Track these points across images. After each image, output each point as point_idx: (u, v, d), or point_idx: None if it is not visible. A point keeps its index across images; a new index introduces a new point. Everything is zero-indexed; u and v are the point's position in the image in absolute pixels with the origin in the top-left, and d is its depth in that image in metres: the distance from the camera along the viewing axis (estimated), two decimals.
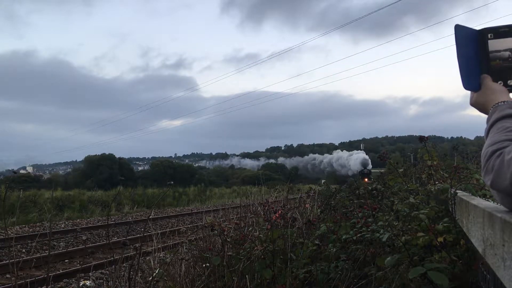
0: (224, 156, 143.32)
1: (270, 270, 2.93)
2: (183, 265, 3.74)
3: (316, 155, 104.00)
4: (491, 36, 1.10)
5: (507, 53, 1.10)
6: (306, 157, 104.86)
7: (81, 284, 6.03)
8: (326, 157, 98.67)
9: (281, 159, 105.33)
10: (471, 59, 1.12)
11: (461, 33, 1.12)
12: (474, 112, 1.14)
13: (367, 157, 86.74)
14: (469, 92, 1.15)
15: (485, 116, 1.07)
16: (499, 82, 1.10)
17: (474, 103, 1.13)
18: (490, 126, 0.99)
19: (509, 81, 1.09)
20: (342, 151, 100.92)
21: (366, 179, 42.96)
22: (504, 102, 1.03)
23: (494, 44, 1.10)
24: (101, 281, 6.77)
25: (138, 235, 10.92)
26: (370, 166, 79.71)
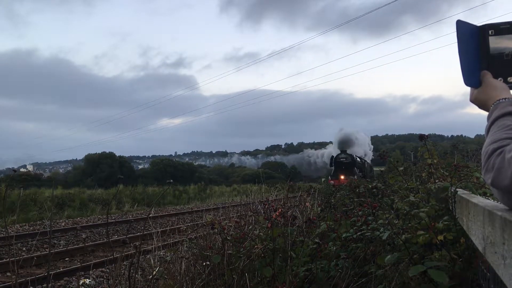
0: (224, 154, 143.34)
1: (270, 268, 2.93)
2: (183, 263, 3.74)
3: (310, 151, 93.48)
4: (492, 32, 1.10)
5: (507, 50, 1.09)
6: (300, 153, 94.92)
7: (81, 282, 6.04)
8: (319, 153, 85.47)
9: (277, 157, 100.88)
10: (472, 55, 1.11)
11: (462, 29, 1.12)
12: (474, 110, 1.14)
13: (352, 133, 54.67)
14: (468, 90, 1.15)
15: (485, 113, 1.07)
16: (499, 78, 1.09)
17: (475, 100, 1.11)
18: (491, 123, 0.98)
19: (509, 78, 1.09)
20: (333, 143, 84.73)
21: (342, 176, 28.27)
22: (505, 99, 1.02)
23: (495, 41, 1.10)
24: (102, 279, 6.78)
25: (138, 234, 10.93)
26: (359, 150, 48.59)
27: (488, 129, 0.99)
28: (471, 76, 1.11)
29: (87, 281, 6.19)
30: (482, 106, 1.10)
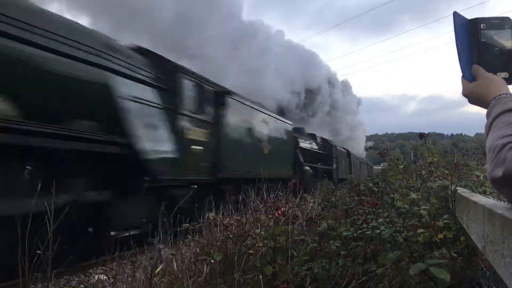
0: None
1: (271, 266, 2.94)
2: (184, 260, 3.75)
3: None
4: (483, 26, 1.10)
5: (497, 45, 1.09)
6: None
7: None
8: None
9: None
10: (466, 48, 1.12)
11: (458, 21, 1.12)
12: (474, 109, 1.12)
13: None
14: None
15: (483, 111, 1.05)
16: None
17: (470, 94, 1.09)
18: (493, 119, 0.95)
19: (498, 74, 1.08)
20: None
21: None
22: (506, 94, 1.00)
23: (486, 35, 1.10)
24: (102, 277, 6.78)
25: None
26: None
27: (489, 125, 0.96)
28: (466, 69, 1.11)
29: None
30: (477, 100, 1.07)
